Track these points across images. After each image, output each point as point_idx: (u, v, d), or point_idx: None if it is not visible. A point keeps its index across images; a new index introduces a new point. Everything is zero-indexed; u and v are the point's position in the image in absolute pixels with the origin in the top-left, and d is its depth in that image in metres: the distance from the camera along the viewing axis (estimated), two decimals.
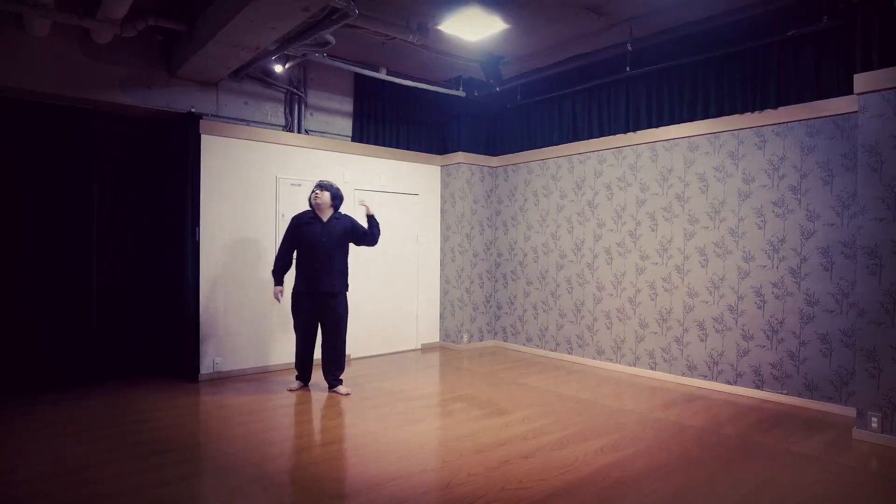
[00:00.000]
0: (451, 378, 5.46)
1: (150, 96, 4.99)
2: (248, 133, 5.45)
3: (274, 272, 4.68)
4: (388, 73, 6.08)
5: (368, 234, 4.78)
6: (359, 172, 6.28)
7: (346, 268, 4.74)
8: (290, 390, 4.76)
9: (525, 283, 6.82)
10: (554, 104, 6.50)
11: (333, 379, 4.74)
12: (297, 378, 4.86)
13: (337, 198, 4.69)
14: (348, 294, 4.82)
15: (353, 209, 6.21)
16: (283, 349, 5.65)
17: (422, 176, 6.95)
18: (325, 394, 4.72)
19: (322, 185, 4.66)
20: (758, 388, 4.73)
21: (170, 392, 4.72)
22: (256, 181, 5.48)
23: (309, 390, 4.80)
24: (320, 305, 4.62)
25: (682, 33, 4.95)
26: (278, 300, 4.71)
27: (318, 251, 4.56)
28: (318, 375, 4.93)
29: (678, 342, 5.29)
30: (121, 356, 5.54)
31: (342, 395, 4.66)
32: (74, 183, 4.85)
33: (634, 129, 5.70)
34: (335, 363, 4.73)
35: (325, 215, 4.66)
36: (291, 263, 4.72)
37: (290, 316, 4.80)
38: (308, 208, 4.75)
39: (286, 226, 4.84)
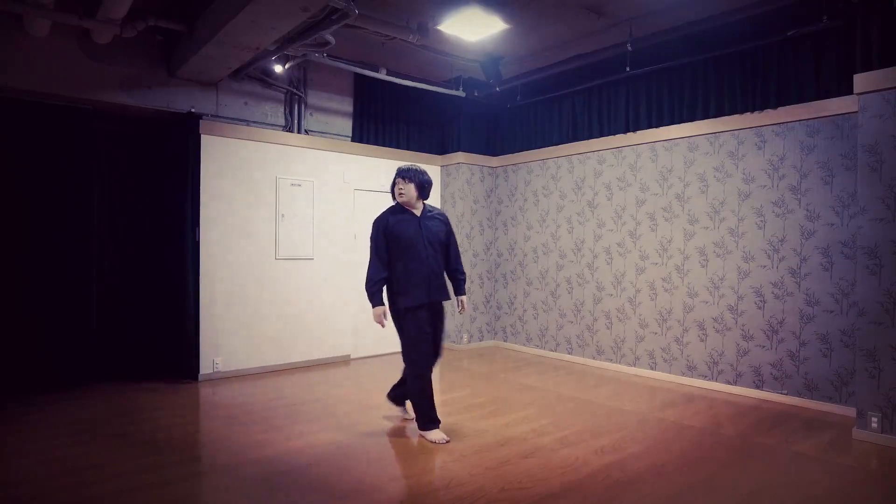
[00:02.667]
0: (451, 378, 5.46)
1: (150, 96, 4.99)
2: (248, 133, 5.45)
3: (375, 291, 3.63)
4: (388, 73, 6.08)
5: (457, 257, 3.85)
6: (359, 173, 6.27)
7: (443, 272, 3.80)
8: (447, 441, 3.59)
9: (525, 284, 6.82)
10: (554, 104, 6.50)
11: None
12: (436, 421, 3.68)
13: (422, 187, 3.72)
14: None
15: (353, 209, 6.22)
16: (283, 349, 5.65)
17: None
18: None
19: (403, 174, 3.70)
20: (758, 388, 4.73)
21: (170, 392, 4.72)
22: (256, 181, 5.48)
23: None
24: (435, 317, 3.72)
25: (682, 33, 4.95)
26: (383, 325, 3.68)
27: (424, 253, 3.64)
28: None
29: (678, 342, 5.29)
30: (121, 356, 5.54)
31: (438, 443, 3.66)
32: (74, 183, 4.85)
33: (634, 129, 5.70)
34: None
35: (418, 209, 3.75)
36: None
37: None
38: (391, 206, 3.84)
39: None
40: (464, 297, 3.90)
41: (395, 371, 5.66)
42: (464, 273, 3.91)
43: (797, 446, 3.57)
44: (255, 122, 5.68)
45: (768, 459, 3.35)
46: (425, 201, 3.81)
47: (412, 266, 3.62)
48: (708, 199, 5.10)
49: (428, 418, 3.64)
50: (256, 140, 5.49)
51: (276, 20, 3.92)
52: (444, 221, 3.84)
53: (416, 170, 3.74)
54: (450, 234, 3.84)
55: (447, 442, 3.56)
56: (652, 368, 5.49)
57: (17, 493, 2.79)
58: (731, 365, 4.91)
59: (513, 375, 5.52)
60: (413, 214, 3.73)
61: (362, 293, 6.15)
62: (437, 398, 4.73)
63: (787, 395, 4.57)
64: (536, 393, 4.85)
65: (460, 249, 6.78)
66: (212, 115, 5.35)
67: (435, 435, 3.60)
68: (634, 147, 5.68)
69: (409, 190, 3.69)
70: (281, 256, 5.62)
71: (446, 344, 6.97)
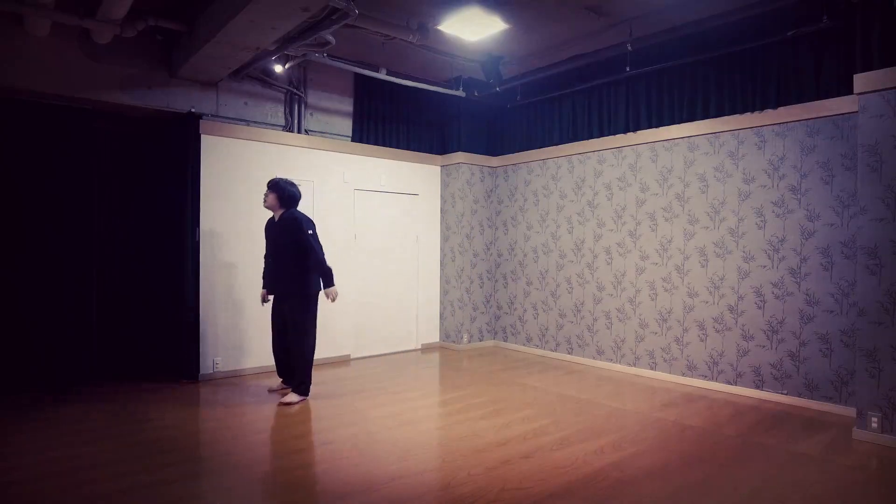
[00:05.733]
0: (450, 378, 5.46)
1: (150, 96, 4.99)
2: (248, 133, 5.45)
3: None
4: (388, 73, 6.07)
5: (310, 252, 4.37)
6: (359, 172, 6.28)
7: (297, 270, 4.42)
8: (270, 390, 4.77)
9: (525, 284, 6.82)
10: (554, 104, 6.50)
11: (291, 385, 4.57)
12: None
13: (283, 198, 4.48)
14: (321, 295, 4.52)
15: (353, 209, 6.22)
16: None
17: (422, 176, 6.95)
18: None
19: (268, 185, 4.54)
20: (758, 388, 4.73)
21: (170, 392, 4.72)
22: (256, 181, 5.47)
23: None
24: (282, 307, 4.54)
25: (682, 33, 4.95)
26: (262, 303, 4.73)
27: (267, 252, 4.61)
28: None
29: (678, 342, 5.29)
30: (121, 356, 5.53)
31: (285, 403, 4.36)
32: (74, 183, 4.85)
33: (634, 129, 5.70)
34: (294, 368, 4.51)
35: (276, 214, 4.57)
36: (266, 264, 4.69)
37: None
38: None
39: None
40: (329, 289, 4.44)
41: (395, 371, 5.67)
42: (321, 270, 4.41)
43: (797, 446, 3.57)
44: (255, 122, 5.68)
45: (768, 459, 3.35)
46: (290, 209, 4.49)
47: (265, 261, 4.66)
48: (708, 199, 5.10)
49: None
50: (256, 140, 5.49)
51: (276, 20, 3.92)
52: (286, 227, 4.44)
53: (280, 183, 4.49)
54: (297, 240, 4.38)
55: (270, 390, 4.73)
56: (652, 368, 5.50)
57: (17, 492, 2.80)
58: (732, 365, 4.91)
59: (513, 375, 5.52)
60: (273, 220, 4.58)
61: (362, 293, 6.22)
62: (438, 398, 4.75)
63: (787, 395, 4.57)
64: (536, 393, 4.85)
65: (460, 249, 6.84)
66: (212, 115, 5.35)
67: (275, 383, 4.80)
68: (634, 147, 5.68)
69: (270, 199, 4.51)
70: None
71: (446, 344, 7.01)
